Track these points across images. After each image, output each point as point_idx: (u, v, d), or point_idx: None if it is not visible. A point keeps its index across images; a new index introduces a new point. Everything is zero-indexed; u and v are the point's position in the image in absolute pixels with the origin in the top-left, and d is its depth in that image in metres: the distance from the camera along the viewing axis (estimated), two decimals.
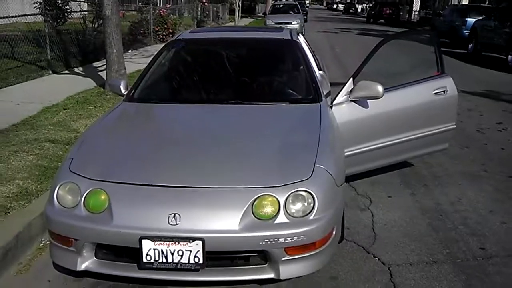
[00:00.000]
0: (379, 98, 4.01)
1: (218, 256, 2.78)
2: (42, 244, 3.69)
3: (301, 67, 4.32)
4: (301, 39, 5.00)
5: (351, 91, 4.12)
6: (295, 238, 2.72)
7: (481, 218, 4.05)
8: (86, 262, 2.90)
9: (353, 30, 26.98)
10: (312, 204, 2.80)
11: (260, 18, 35.75)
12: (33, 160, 4.84)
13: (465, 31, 17.26)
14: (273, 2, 27.36)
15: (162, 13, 16.74)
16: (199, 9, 22.29)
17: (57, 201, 2.93)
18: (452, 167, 5.27)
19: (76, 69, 10.59)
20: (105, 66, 11.06)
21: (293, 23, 21.06)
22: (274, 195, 2.77)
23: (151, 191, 2.83)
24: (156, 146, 3.30)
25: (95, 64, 11.38)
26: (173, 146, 3.29)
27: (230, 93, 4.04)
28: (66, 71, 10.29)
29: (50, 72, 9.87)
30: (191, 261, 2.69)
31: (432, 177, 4.99)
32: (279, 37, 4.74)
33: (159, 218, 2.71)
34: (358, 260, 3.39)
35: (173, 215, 2.70)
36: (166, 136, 3.48)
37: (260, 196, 2.77)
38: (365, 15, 46.12)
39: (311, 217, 2.78)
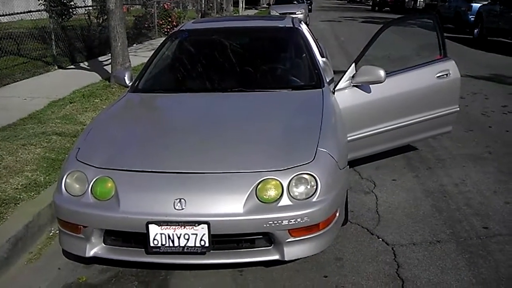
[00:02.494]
0: (381, 82, 4.04)
1: (223, 239, 2.84)
2: (51, 234, 3.77)
3: (303, 54, 4.35)
4: (303, 26, 5.02)
5: (353, 76, 4.14)
6: (298, 220, 2.77)
7: (484, 199, 4.07)
8: (95, 249, 2.97)
9: (357, 19, 26.83)
10: (315, 187, 2.84)
11: (264, 9, 35.65)
12: (41, 153, 4.92)
13: (470, 16, 17.09)
14: None
15: (166, 6, 16.76)
16: (203, 1, 22.28)
17: (65, 189, 3.00)
18: (456, 150, 5.29)
19: (81, 64, 10.68)
20: (109, 60, 11.23)
21: (297, 13, 21.00)
22: (278, 178, 2.82)
23: (156, 177, 2.89)
24: (160, 133, 3.37)
25: (100, 58, 11.46)
26: (177, 133, 3.35)
27: (233, 81, 4.08)
28: (72, 66, 10.38)
29: (56, 67, 9.96)
30: (197, 244, 2.75)
31: (436, 160, 5.01)
32: (281, 25, 4.77)
33: (165, 204, 2.77)
34: (363, 242, 3.44)
35: (178, 200, 2.76)
36: (170, 124, 3.54)
37: (263, 179, 2.82)
38: (370, 3, 45.80)
39: (314, 199, 2.83)
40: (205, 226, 2.72)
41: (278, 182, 2.82)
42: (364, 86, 4.19)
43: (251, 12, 29.90)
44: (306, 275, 3.06)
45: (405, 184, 4.42)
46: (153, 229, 2.75)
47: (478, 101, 7.43)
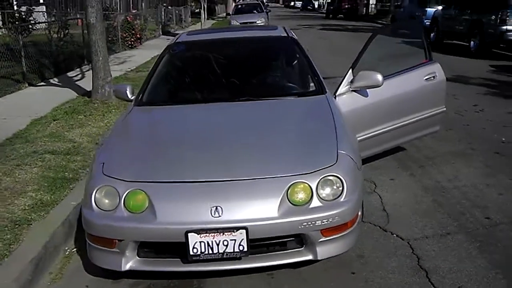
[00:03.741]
0: (379, 86, 4.24)
1: (258, 244, 2.93)
2: (67, 253, 3.75)
3: (302, 61, 4.52)
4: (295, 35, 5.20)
5: (351, 81, 4.34)
6: (330, 219, 2.91)
7: (479, 192, 4.34)
8: (130, 262, 3.01)
9: (315, 26, 27.41)
10: (341, 188, 2.99)
11: (221, 19, 35.84)
12: (38, 172, 4.87)
13: (426, 21, 17.82)
14: (235, 2, 27.54)
15: (129, 19, 16.65)
16: (162, 13, 22.23)
17: (96, 205, 3.02)
18: (442, 148, 5.58)
19: (51, 80, 10.49)
20: (80, 75, 11.08)
21: (258, 22, 21.30)
22: (306, 181, 2.96)
23: (190, 187, 2.97)
24: (182, 144, 3.44)
25: (69, 74, 11.29)
26: (199, 143, 3.43)
27: (239, 90, 4.19)
28: (42, 83, 10.18)
29: (27, 84, 9.75)
30: (236, 249, 2.84)
31: (425, 158, 5.28)
32: (277, 35, 4.93)
33: (202, 212, 2.85)
34: (379, 238, 3.62)
35: (215, 208, 2.85)
36: (189, 134, 3.61)
37: (293, 183, 2.95)
38: (323, 11, 46.86)
39: (342, 200, 2.98)
40: (243, 231, 2.81)
41: (307, 185, 2.96)
42: (362, 91, 4.39)
43: (209, 22, 30.04)
44: (334, 273, 3.20)
45: (403, 182, 4.64)
46: (193, 238, 2.82)
47: (449, 101, 7.72)
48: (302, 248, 3.02)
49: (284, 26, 5.33)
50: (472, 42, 13.45)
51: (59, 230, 3.81)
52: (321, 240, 2.96)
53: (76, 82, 10.06)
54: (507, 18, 12.11)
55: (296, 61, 4.64)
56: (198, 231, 2.81)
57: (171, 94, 4.45)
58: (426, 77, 4.80)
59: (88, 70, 11.74)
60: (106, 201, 3.02)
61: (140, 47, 17.09)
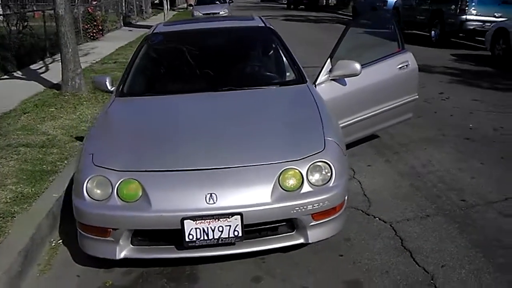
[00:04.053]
0: (357, 75, 4.37)
1: (250, 229, 3.00)
2: (53, 245, 3.73)
3: (282, 51, 4.59)
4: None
5: (330, 70, 4.45)
6: (320, 204, 3.02)
7: (453, 176, 4.54)
8: (124, 251, 3.03)
9: (277, 17, 27.44)
10: (329, 173, 3.10)
11: (182, 10, 35.47)
12: (15, 165, 4.78)
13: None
14: None
15: (90, 10, 16.30)
16: (123, 4, 21.86)
17: (88, 195, 3.02)
18: (414, 134, 5.77)
19: (15, 74, 10.20)
20: (44, 68, 10.82)
21: (221, 12, 21.24)
22: (297, 167, 3.05)
23: (183, 175, 3.01)
24: (171, 133, 3.46)
25: (33, 67, 11.01)
26: (188, 132, 3.46)
27: (221, 80, 4.22)
28: (6, 76, 9.90)
29: None
30: (231, 235, 2.90)
31: (399, 145, 5.46)
32: (255, 25, 4.97)
33: (197, 199, 2.90)
34: (362, 222, 3.75)
35: (209, 195, 2.90)
36: (178, 124, 3.63)
37: (284, 170, 3.03)
38: (283, 2, 46.96)
39: (331, 184, 3.08)
40: (238, 217, 2.88)
41: (297, 171, 3.04)
42: (340, 80, 4.51)
43: (170, 13, 29.65)
44: (324, 256, 3.31)
45: (380, 168, 4.80)
46: (188, 225, 2.86)
47: None
48: (294, 232, 3.11)
49: (260, 16, 5.38)
50: (433, 32, 13.85)
51: (44, 222, 3.78)
52: (312, 224, 3.06)
53: (41, 75, 9.82)
54: (466, 8, 12.51)
55: (275, 51, 4.70)
56: (194, 218, 2.86)
57: (153, 84, 4.44)
58: (400, 66, 4.97)
59: (52, 63, 11.51)
60: (98, 191, 3.02)
61: (102, 38, 16.77)
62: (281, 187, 3.00)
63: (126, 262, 3.18)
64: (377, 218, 3.79)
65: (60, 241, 3.78)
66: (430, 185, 4.35)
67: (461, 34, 13.60)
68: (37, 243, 3.61)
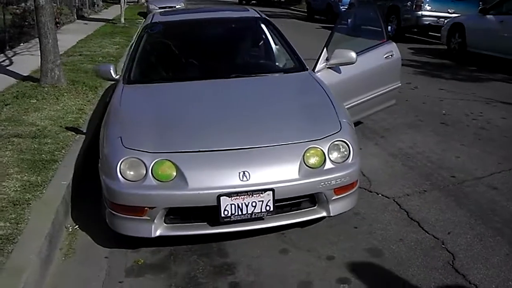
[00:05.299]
0: (353, 63, 4.63)
1: (278, 204, 3.20)
2: (71, 230, 3.79)
3: (280, 41, 4.80)
4: None
5: (327, 58, 4.70)
6: (342, 179, 3.27)
7: (439, 156, 4.92)
8: (159, 229, 3.16)
9: None
10: (347, 152, 3.35)
11: (132, 3, 34.84)
12: (13, 155, 4.74)
13: (342, 8, 18.69)
14: None
15: None
16: None
17: (122, 176, 3.13)
18: (394, 120, 6.14)
19: None
20: (8, 61, 10.50)
21: (177, 6, 21.10)
22: (319, 146, 3.28)
23: (216, 155, 3.17)
24: (196, 116, 3.60)
25: None
26: (213, 115, 3.62)
27: (229, 68, 4.39)
28: None
29: None
30: (263, 210, 3.10)
31: (383, 129, 5.81)
32: (252, 15, 5.15)
33: (231, 177, 3.08)
34: (367, 198, 4.03)
35: (242, 172, 3.09)
36: (199, 107, 3.76)
37: (308, 148, 3.25)
38: None
39: (350, 161, 3.34)
40: (270, 192, 3.08)
41: (319, 150, 3.28)
42: (336, 67, 4.77)
43: (117, 7, 29.07)
44: (339, 228, 3.57)
45: (372, 151, 5.11)
46: (224, 201, 3.03)
47: None
48: (316, 207, 3.34)
49: (254, 8, 5.56)
50: (389, 27, 14.42)
51: (60, 208, 3.82)
52: (333, 198, 3.30)
53: (8, 68, 9.55)
54: (422, 4, 13.14)
55: (275, 40, 4.90)
56: (229, 195, 3.03)
57: (161, 72, 4.54)
58: (386, 55, 5.30)
59: (14, 56, 11.18)
60: (132, 172, 3.14)
61: (59, 31, 16.31)
62: (306, 165, 3.22)
63: (151, 242, 3.30)
64: (380, 195, 4.08)
65: (76, 226, 3.84)
66: (421, 164, 4.70)
67: (415, 30, 14.28)
68: (56, 228, 3.66)
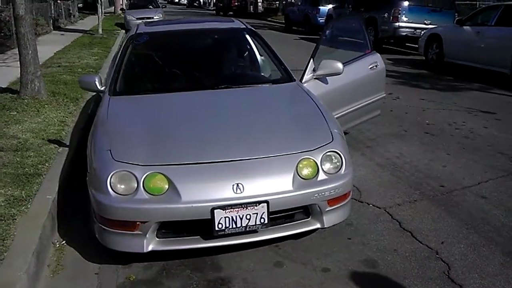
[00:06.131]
0: (339, 74, 4.65)
1: (272, 217, 3.16)
2: (58, 246, 3.68)
3: (267, 51, 4.79)
4: None
5: (314, 69, 4.70)
6: (336, 190, 3.25)
7: (427, 165, 4.95)
8: (151, 243, 3.09)
9: None
10: (340, 162, 3.34)
11: (108, 14, 34.61)
12: None
13: (319, 19, 18.89)
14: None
15: None
16: (52, 7, 21.06)
17: (112, 190, 3.05)
18: (379, 130, 6.18)
19: None
20: None
21: (155, 17, 21.02)
22: (312, 157, 3.26)
23: (209, 167, 3.12)
24: (187, 128, 3.55)
25: None
26: (203, 127, 3.57)
27: (216, 79, 4.35)
28: None
29: None
30: (258, 222, 3.05)
31: (368, 140, 5.84)
32: (237, 26, 5.13)
33: (225, 190, 3.03)
34: (359, 209, 4.02)
35: (236, 185, 3.04)
36: (188, 119, 3.71)
37: (301, 159, 3.23)
38: (210, 8, 47.31)
39: (342, 172, 3.33)
40: (265, 204, 3.03)
41: (312, 161, 3.26)
42: (323, 78, 4.78)
43: (94, 18, 28.81)
44: (333, 240, 3.54)
45: (359, 161, 5.12)
46: (218, 214, 2.98)
47: None
48: (309, 218, 3.31)
49: (239, 19, 5.55)
50: None
51: (47, 223, 3.72)
52: (327, 209, 3.28)
53: None
54: (399, 16, 13.36)
55: (261, 51, 4.89)
56: (223, 207, 2.98)
57: (148, 83, 4.46)
58: (370, 66, 5.34)
59: None
60: (122, 186, 3.06)
61: (36, 42, 16.09)
62: (299, 176, 3.19)
63: (143, 257, 3.23)
64: (371, 205, 4.08)
65: (63, 242, 3.73)
66: (408, 174, 4.73)
67: (392, 41, 14.48)
68: (43, 244, 3.56)
